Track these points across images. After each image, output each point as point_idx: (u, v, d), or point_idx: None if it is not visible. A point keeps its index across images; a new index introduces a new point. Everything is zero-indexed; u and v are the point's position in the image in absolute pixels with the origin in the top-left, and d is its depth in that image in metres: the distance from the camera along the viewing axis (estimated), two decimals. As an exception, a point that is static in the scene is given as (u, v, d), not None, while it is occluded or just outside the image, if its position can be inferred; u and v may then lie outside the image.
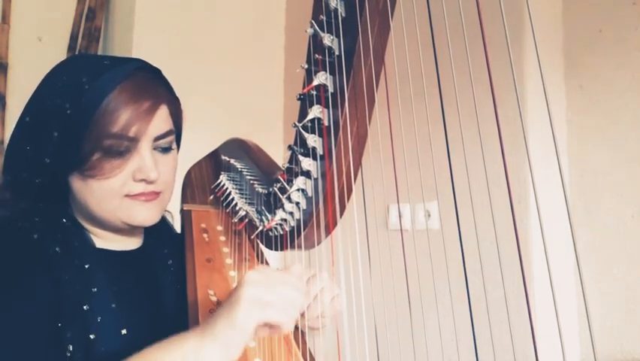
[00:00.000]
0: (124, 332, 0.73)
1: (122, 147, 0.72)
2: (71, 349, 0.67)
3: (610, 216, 1.50)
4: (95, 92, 0.71)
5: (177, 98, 0.82)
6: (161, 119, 0.76)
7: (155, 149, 0.77)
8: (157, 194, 0.78)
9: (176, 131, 0.82)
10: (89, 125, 0.70)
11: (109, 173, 0.72)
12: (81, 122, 0.70)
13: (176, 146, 0.83)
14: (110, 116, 0.71)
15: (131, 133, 0.72)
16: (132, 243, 0.85)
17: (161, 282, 0.85)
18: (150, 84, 0.76)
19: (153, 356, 0.62)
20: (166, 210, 0.95)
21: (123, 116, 0.71)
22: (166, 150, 0.79)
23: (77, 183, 0.74)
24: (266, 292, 0.61)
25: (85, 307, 0.70)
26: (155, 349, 0.63)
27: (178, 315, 0.79)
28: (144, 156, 0.74)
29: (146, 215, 0.77)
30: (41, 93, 0.76)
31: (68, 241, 0.74)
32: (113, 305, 0.74)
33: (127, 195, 0.75)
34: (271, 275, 0.63)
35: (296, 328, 0.83)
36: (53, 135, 0.72)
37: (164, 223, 0.93)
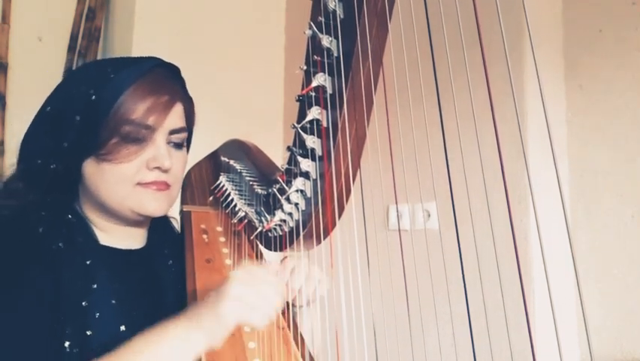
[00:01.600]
0: (122, 328, 0.74)
1: (140, 135, 0.76)
2: (68, 344, 0.68)
3: (610, 216, 1.50)
4: (118, 81, 0.75)
5: (192, 99, 0.86)
6: (177, 115, 0.81)
7: (168, 143, 0.80)
8: (168, 186, 0.80)
9: (188, 131, 0.85)
10: (110, 111, 0.74)
11: (124, 158, 0.75)
12: (103, 108, 0.74)
13: (186, 145, 0.86)
14: (130, 105, 0.75)
15: (149, 122, 0.76)
16: (136, 242, 0.85)
17: (163, 282, 0.85)
18: (169, 81, 0.81)
19: (142, 344, 0.65)
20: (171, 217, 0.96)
21: (143, 106, 0.76)
22: (178, 146, 0.82)
23: (91, 168, 0.77)
24: (250, 292, 0.66)
25: (84, 303, 0.71)
26: (144, 337, 0.65)
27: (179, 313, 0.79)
28: (159, 146, 0.78)
29: (155, 205, 0.79)
30: (66, 86, 0.81)
31: (72, 237, 0.76)
32: (113, 301, 0.75)
33: (139, 184, 0.77)
34: (256, 275, 0.69)
35: (295, 326, 0.83)
36: (75, 119, 0.75)
37: (168, 224, 0.94)
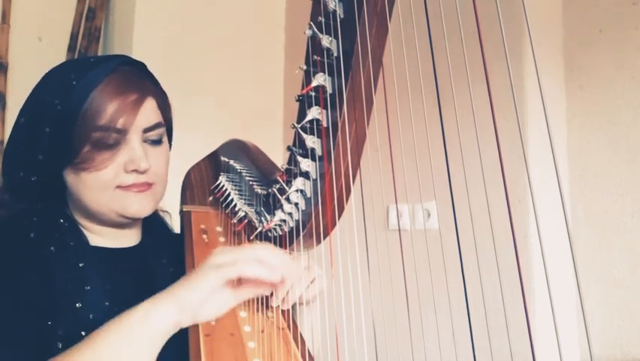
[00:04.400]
0: None
1: (111, 140, 0.75)
2: (61, 346, 0.67)
3: (610, 216, 1.50)
4: (82, 87, 0.73)
5: (164, 92, 0.84)
6: (150, 111, 0.78)
7: (145, 141, 0.78)
8: (149, 185, 0.79)
9: (167, 124, 0.83)
10: (77, 119, 0.73)
11: (100, 165, 0.74)
12: (70, 117, 0.73)
13: (167, 139, 0.84)
14: (97, 110, 0.73)
15: (119, 125, 0.74)
16: (129, 240, 0.85)
17: (158, 280, 0.85)
18: (135, 78, 0.79)
19: (110, 322, 0.64)
20: (165, 211, 0.95)
21: (110, 109, 0.74)
22: (156, 142, 0.80)
23: (71, 178, 0.76)
24: (226, 256, 0.65)
25: (77, 305, 0.71)
26: (114, 319, 0.65)
27: None
28: (134, 147, 0.76)
29: (139, 206, 0.79)
30: (34, 95, 0.79)
31: (64, 241, 0.75)
32: (107, 303, 0.74)
33: (119, 187, 0.76)
34: (236, 247, 0.68)
35: (295, 326, 0.83)
36: (45, 131, 0.74)
37: (161, 223, 0.93)
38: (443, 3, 0.51)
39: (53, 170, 0.76)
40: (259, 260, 0.65)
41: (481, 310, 0.56)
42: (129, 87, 0.76)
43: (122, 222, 0.81)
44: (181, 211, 0.98)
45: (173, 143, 0.89)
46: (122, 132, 0.75)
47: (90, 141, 0.73)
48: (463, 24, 0.47)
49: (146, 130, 0.78)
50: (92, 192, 0.76)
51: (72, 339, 0.68)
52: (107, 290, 0.76)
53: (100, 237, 0.81)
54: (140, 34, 1.87)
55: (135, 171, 0.76)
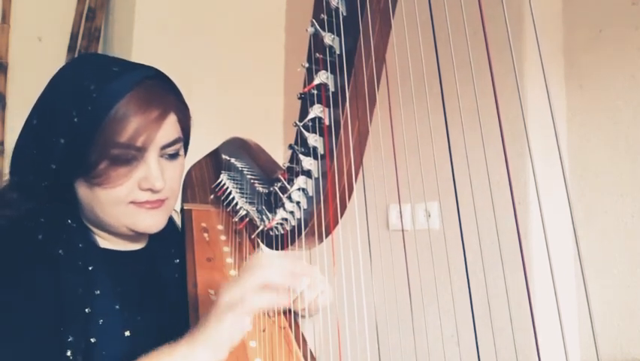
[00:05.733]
0: (127, 333, 0.73)
1: (129, 156, 0.72)
2: (70, 353, 0.67)
3: (610, 216, 1.50)
4: (102, 100, 0.70)
5: (186, 105, 0.81)
6: (170, 127, 0.76)
7: (161, 156, 0.76)
8: (162, 201, 0.78)
9: (184, 137, 0.81)
10: (95, 134, 0.70)
11: (115, 182, 0.72)
12: (88, 131, 0.70)
13: (183, 152, 0.82)
14: (117, 126, 0.70)
15: (139, 143, 0.72)
16: (138, 244, 0.85)
17: (166, 281, 0.85)
18: (159, 92, 0.75)
19: None
20: None
21: (131, 126, 0.70)
22: (173, 156, 0.78)
23: (83, 190, 0.74)
24: (233, 292, 0.64)
25: (87, 310, 0.70)
26: (147, 358, 0.64)
27: (183, 314, 0.79)
28: (151, 166, 0.74)
29: (150, 222, 0.77)
30: (48, 96, 0.76)
31: (73, 243, 0.74)
32: (117, 307, 0.74)
33: (132, 202, 0.75)
34: (240, 276, 0.65)
35: (297, 326, 0.83)
36: (60, 142, 0.71)
37: (170, 223, 0.93)
38: (447, 1, 0.51)
39: (65, 179, 0.74)
40: (265, 285, 0.64)
41: (484, 310, 0.56)
42: (152, 103, 0.73)
43: (131, 236, 0.80)
44: (182, 209, 0.98)
45: None
46: (141, 150, 0.73)
47: (107, 158, 0.71)
48: (466, 22, 0.47)
49: (165, 147, 0.76)
50: (103, 206, 0.74)
51: (82, 345, 0.68)
52: (117, 293, 0.75)
53: (107, 241, 0.81)
54: (140, 34, 1.87)
55: (149, 189, 0.75)
